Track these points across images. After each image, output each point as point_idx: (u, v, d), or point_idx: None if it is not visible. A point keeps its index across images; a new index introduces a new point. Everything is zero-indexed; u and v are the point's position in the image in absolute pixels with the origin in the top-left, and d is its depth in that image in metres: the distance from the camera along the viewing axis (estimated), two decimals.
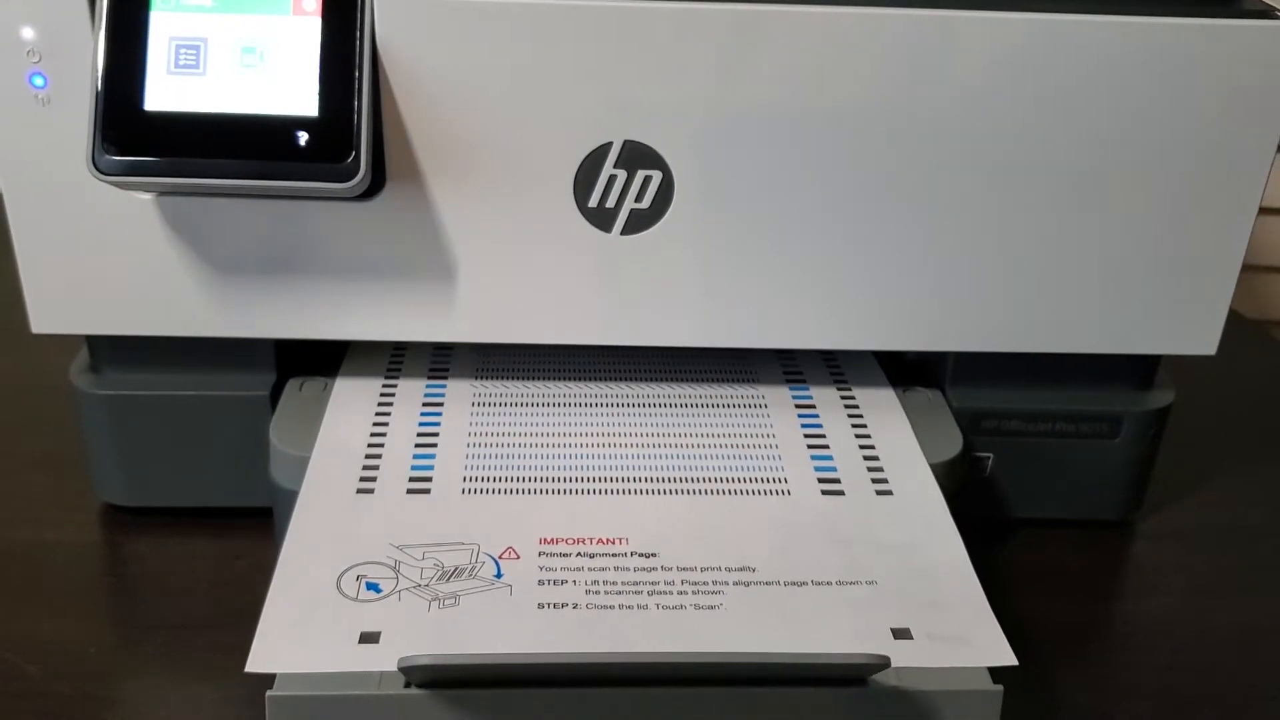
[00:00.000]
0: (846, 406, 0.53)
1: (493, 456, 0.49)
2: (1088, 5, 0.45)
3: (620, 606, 0.42)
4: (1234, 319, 0.51)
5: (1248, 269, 0.49)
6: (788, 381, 0.54)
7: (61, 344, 0.52)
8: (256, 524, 0.52)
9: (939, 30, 0.45)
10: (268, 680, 0.38)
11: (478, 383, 0.53)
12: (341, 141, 0.44)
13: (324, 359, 0.54)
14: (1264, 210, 0.48)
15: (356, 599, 0.41)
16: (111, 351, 0.52)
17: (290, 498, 0.47)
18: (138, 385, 0.52)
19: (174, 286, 0.48)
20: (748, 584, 0.43)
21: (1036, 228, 0.48)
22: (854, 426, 0.52)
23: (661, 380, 0.54)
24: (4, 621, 0.49)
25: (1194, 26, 0.45)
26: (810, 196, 0.47)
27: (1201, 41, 0.45)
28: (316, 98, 0.44)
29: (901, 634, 0.41)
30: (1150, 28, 0.45)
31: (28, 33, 0.44)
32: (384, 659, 0.39)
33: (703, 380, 0.54)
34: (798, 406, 0.53)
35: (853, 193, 0.47)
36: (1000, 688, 0.39)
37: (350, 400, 0.52)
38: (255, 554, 0.52)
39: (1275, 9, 0.47)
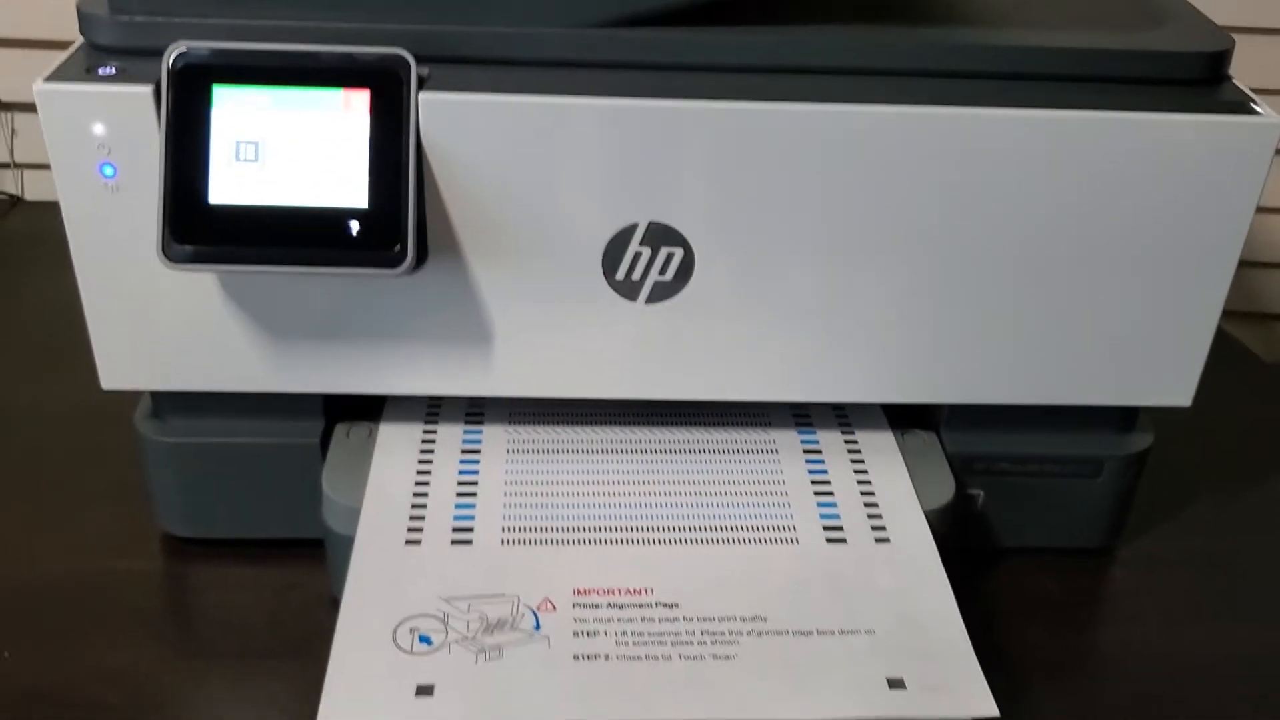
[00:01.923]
0: (850, 450, 0.57)
1: (527, 506, 0.53)
2: (1073, 98, 0.49)
3: (647, 657, 0.47)
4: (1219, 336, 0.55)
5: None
6: (796, 425, 0.59)
7: None
8: (309, 553, 0.56)
9: (937, 125, 0.48)
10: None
11: (511, 428, 0.58)
12: (390, 231, 0.48)
13: (368, 402, 0.58)
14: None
15: (411, 652, 0.46)
16: (173, 401, 0.56)
17: (342, 541, 0.52)
18: (197, 432, 0.56)
19: (231, 347, 0.53)
20: (760, 634, 0.48)
21: (1027, 296, 0.52)
22: (856, 472, 0.56)
23: (681, 424, 0.58)
24: (81, 651, 0.54)
25: (1176, 122, 0.49)
26: (817, 269, 0.51)
27: (1181, 135, 0.49)
28: (366, 190, 0.48)
29: (896, 684, 0.46)
30: (1135, 123, 0.49)
31: (99, 129, 0.48)
32: (439, 712, 0.44)
33: (719, 424, 0.59)
34: (805, 451, 0.57)
35: (858, 266, 0.51)
36: None
37: (394, 447, 0.56)
38: (310, 584, 0.56)
39: (1252, 100, 0.50)
